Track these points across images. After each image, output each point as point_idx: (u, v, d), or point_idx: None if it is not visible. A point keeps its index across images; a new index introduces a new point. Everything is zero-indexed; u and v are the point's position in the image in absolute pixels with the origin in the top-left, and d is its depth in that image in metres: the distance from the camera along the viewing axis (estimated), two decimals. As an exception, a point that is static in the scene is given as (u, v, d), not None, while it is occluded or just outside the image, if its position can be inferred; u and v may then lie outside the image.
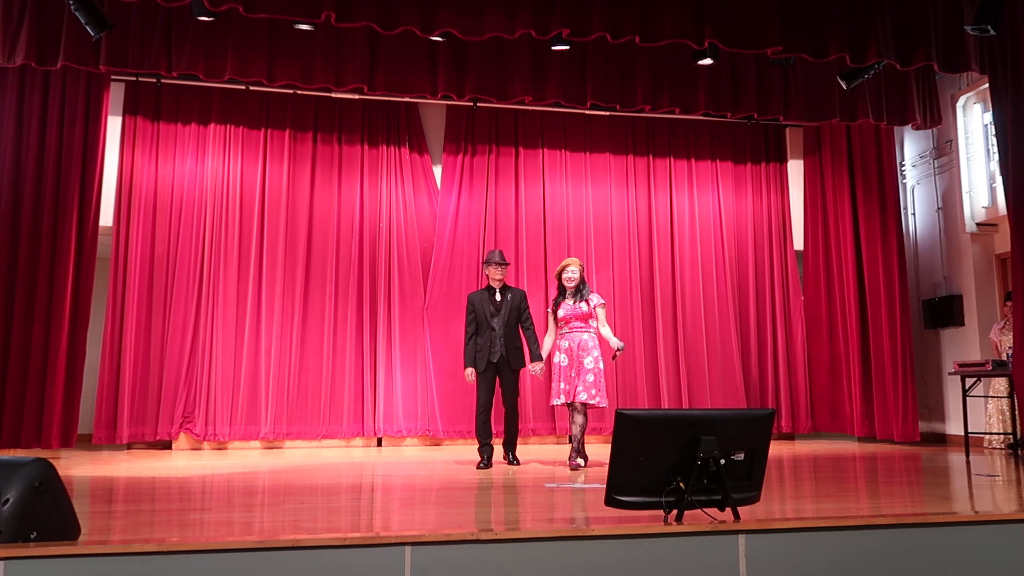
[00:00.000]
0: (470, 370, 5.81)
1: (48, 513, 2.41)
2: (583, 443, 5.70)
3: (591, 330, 5.69)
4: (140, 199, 7.48)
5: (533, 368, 5.82)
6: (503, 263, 5.99)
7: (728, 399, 8.19)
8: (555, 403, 5.71)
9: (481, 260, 8.00)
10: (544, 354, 5.89)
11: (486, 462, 5.72)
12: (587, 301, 5.71)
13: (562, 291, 5.82)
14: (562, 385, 5.61)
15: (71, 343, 6.90)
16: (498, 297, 5.91)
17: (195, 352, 7.40)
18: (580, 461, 5.62)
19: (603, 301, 5.83)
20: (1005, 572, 2.75)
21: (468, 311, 5.93)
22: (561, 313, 5.74)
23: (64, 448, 6.78)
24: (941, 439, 7.98)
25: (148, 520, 3.59)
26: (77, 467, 5.72)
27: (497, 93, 6.99)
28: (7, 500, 2.30)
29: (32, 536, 2.32)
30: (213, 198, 7.64)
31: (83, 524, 2.62)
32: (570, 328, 5.69)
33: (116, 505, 4.15)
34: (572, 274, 5.76)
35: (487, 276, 6.02)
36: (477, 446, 5.84)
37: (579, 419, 5.60)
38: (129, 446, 7.25)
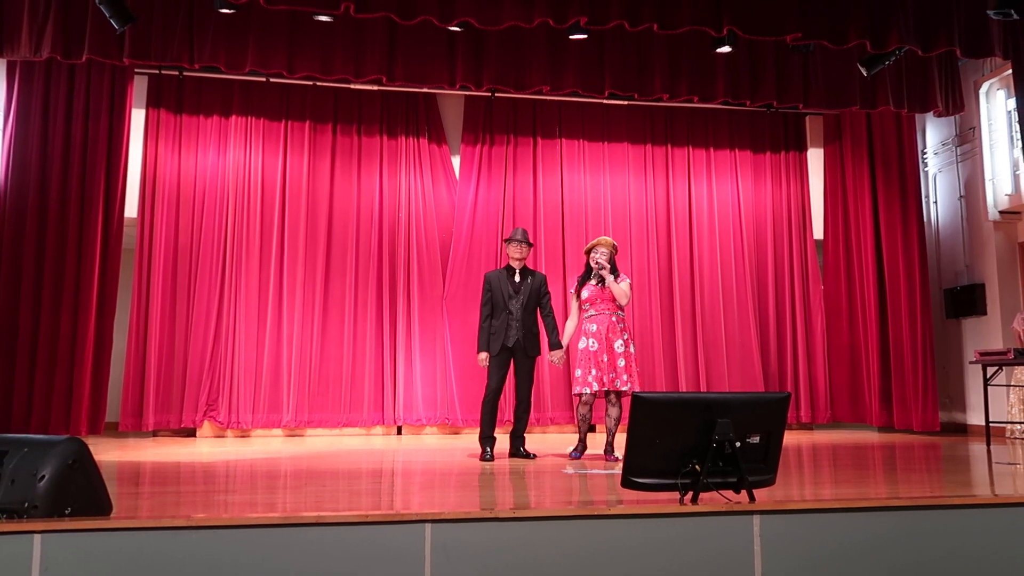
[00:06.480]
0: (484, 354, 5.44)
1: (81, 490, 2.49)
2: (615, 436, 5.21)
3: (619, 311, 5.36)
4: (164, 191, 7.60)
5: (552, 357, 5.51)
6: (525, 242, 5.60)
7: (747, 388, 8.17)
8: (583, 391, 5.24)
9: (499, 250, 8.04)
10: (566, 341, 5.57)
11: (490, 455, 5.33)
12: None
13: (588, 271, 5.45)
14: (593, 372, 5.21)
15: (98, 332, 7.06)
16: (517, 278, 5.54)
17: (218, 341, 7.51)
18: (617, 455, 5.11)
19: (628, 281, 5.51)
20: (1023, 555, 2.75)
21: (484, 291, 5.56)
22: (585, 294, 5.40)
23: (92, 435, 6.93)
24: (962, 429, 7.92)
25: (174, 500, 3.68)
26: (105, 452, 5.84)
27: (515, 83, 7.01)
28: (43, 477, 2.39)
29: (66, 512, 2.40)
30: (235, 189, 7.75)
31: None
32: (597, 311, 5.34)
33: (143, 487, 4.25)
34: (600, 258, 5.34)
35: (508, 255, 5.64)
36: (479, 436, 5.44)
37: (614, 412, 5.29)
38: (155, 433, 7.39)
